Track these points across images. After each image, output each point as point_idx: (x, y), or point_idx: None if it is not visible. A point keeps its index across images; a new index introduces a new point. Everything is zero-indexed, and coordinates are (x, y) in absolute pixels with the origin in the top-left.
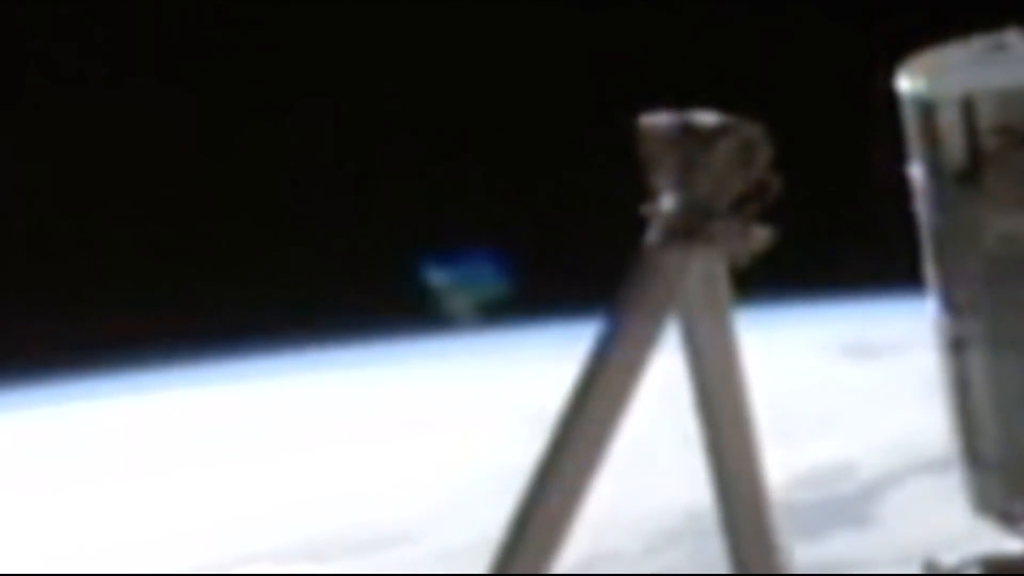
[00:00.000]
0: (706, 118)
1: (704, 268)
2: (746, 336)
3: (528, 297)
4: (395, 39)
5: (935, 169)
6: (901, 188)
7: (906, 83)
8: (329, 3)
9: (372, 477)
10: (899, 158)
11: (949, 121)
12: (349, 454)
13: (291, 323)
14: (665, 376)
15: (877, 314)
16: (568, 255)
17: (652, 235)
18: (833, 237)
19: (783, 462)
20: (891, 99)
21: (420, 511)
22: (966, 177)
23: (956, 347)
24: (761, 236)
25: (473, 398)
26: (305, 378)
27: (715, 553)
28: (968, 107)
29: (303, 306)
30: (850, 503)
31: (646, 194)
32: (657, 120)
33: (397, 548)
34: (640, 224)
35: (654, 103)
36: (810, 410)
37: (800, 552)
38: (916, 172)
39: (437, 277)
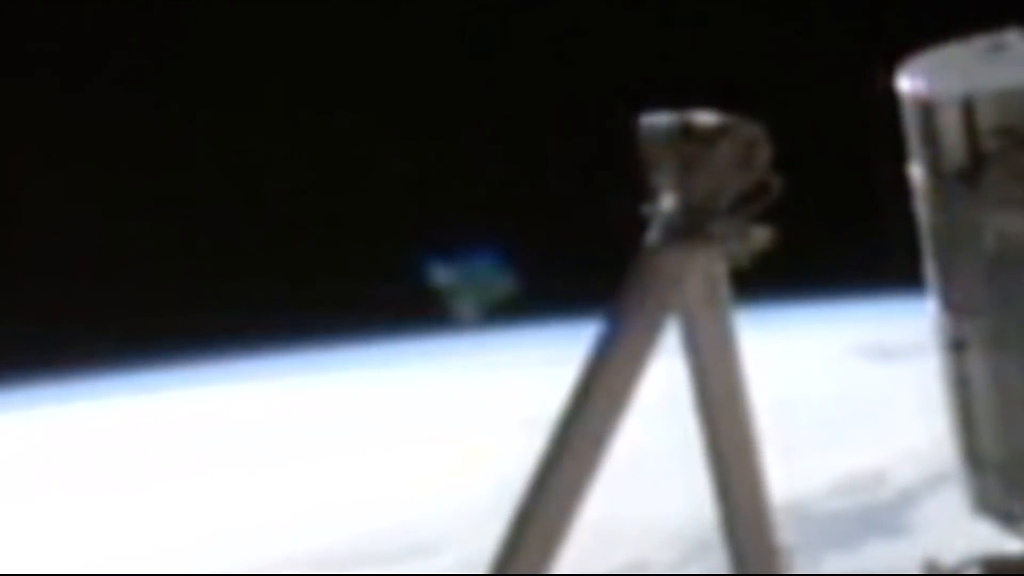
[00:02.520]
0: (706, 118)
1: (704, 268)
2: (762, 339)
3: (529, 297)
4: (397, 38)
5: (935, 169)
6: (901, 188)
7: (906, 83)
8: (330, 3)
9: (387, 484)
10: (899, 158)
11: (949, 121)
12: (358, 459)
13: (294, 324)
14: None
15: (890, 315)
16: (568, 255)
17: (652, 235)
18: (832, 238)
19: (816, 469)
20: (891, 99)
21: (439, 521)
22: (966, 177)
23: (956, 347)
24: (761, 236)
25: (477, 400)
26: (308, 379)
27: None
28: (968, 107)
29: (306, 307)
30: (884, 512)
31: (646, 194)
32: (657, 120)
33: (420, 558)
34: (640, 224)
35: (654, 103)
36: (835, 414)
37: (837, 562)
38: (916, 172)
39: (441, 277)
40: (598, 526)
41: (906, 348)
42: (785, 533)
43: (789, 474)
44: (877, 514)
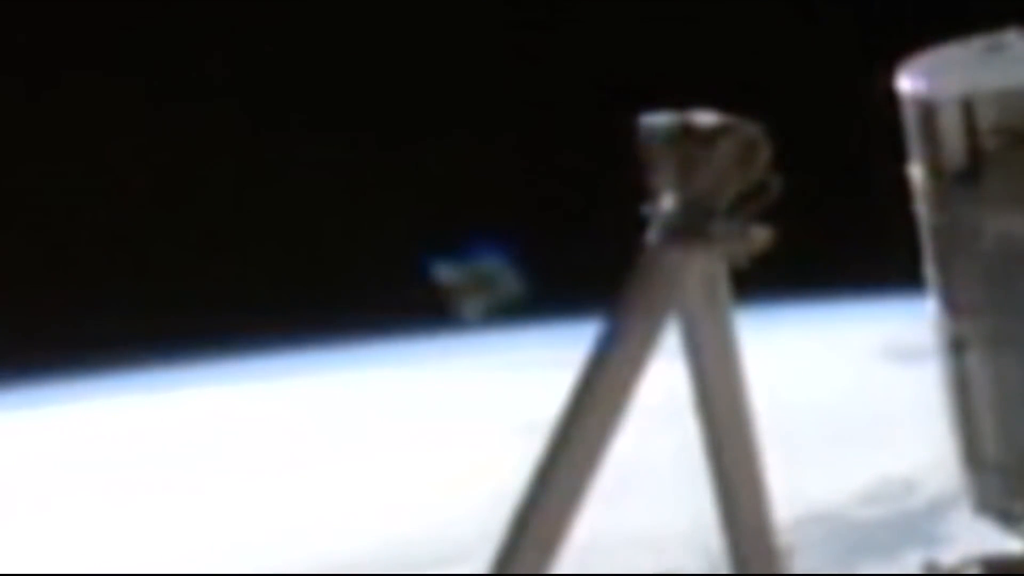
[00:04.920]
0: (706, 118)
1: (704, 268)
2: (783, 341)
3: (536, 297)
4: (400, 38)
5: (935, 169)
6: (901, 188)
7: (906, 83)
8: (334, 4)
9: (398, 489)
10: (899, 158)
11: (949, 121)
12: (366, 463)
13: (297, 324)
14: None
15: (910, 316)
16: (568, 255)
17: (652, 235)
18: (833, 238)
19: (845, 476)
20: (891, 99)
21: (454, 526)
22: (966, 177)
23: (956, 347)
24: (761, 236)
25: (484, 402)
26: (312, 380)
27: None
28: (968, 107)
29: (311, 307)
30: (918, 520)
31: (646, 194)
32: (657, 120)
33: (440, 567)
34: (640, 224)
35: (654, 103)
36: (861, 418)
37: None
38: (916, 172)
39: (446, 276)
40: (616, 532)
41: (927, 350)
42: (802, 538)
43: (818, 481)
44: (911, 523)
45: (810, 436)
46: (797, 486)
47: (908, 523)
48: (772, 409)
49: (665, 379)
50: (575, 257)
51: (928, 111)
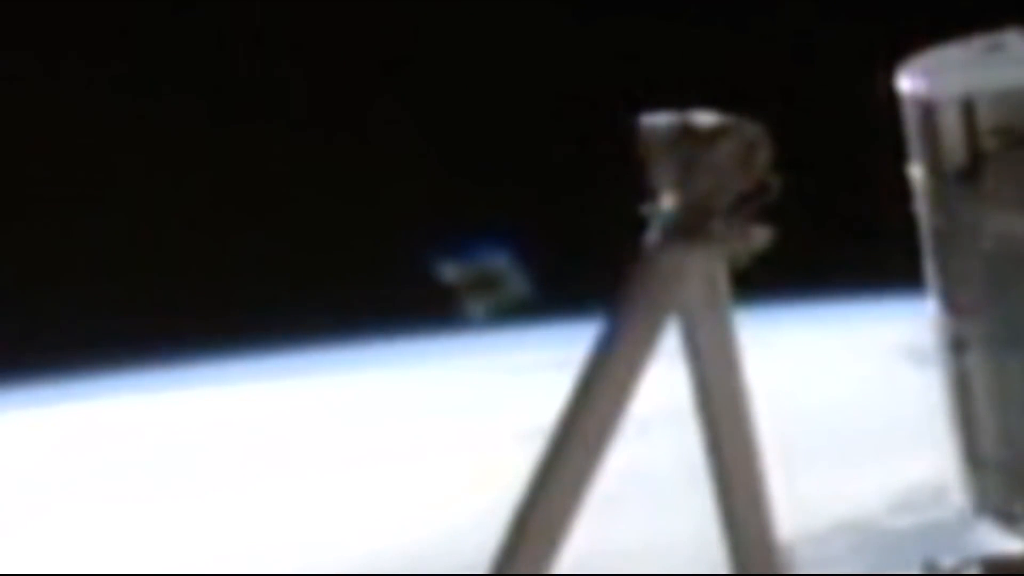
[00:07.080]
0: (706, 118)
1: (704, 268)
2: (789, 341)
3: (543, 297)
4: (404, 39)
5: (935, 169)
6: (901, 188)
7: (906, 83)
8: (334, 3)
9: (407, 495)
10: (899, 158)
11: (949, 121)
12: (375, 466)
13: (299, 323)
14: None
15: (914, 317)
16: (568, 255)
17: (652, 235)
18: (833, 238)
19: (875, 483)
20: (891, 99)
21: (463, 535)
22: (966, 177)
23: (956, 347)
24: (761, 236)
25: (490, 403)
26: (315, 380)
27: None
28: (968, 107)
29: (314, 306)
30: (949, 530)
31: (646, 194)
32: (657, 120)
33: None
34: (640, 224)
35: (654, 103)
36: (886, 422)
37: None
38: (916, 172)
39: (452, 275)
40: (616, 535)
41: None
42: (835, 548)
43: (848, 489)
44: (941, 533)
45: (832, 442)
46: (825, 494)
47: (939, 531)
48: (789, 411)
49: (665, 381)
50: (590, 257)
51: (928, 111)
